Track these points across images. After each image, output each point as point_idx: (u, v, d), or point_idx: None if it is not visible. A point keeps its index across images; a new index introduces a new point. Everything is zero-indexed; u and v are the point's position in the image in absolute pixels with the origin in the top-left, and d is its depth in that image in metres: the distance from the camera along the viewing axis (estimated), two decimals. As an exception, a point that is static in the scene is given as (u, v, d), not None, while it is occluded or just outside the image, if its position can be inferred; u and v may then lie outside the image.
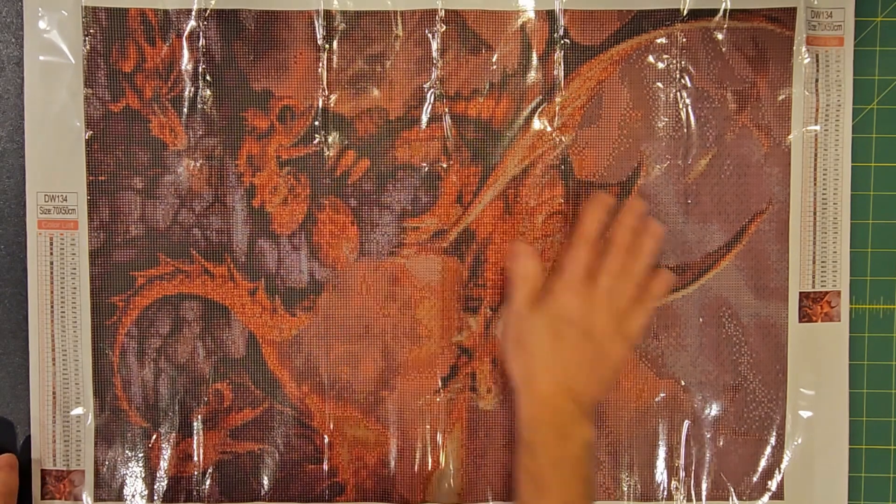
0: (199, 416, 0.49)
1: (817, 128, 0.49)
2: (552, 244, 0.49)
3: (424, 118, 0.49)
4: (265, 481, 0.49)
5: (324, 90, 0.48)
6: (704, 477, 0.50)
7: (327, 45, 0.48)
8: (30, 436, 0.48)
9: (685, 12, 0.48)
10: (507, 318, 0.47)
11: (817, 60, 0.49)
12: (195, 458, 0.49)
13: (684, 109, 0.49)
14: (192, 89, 0.48)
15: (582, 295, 0.44)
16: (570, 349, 0.44)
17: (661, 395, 0.50)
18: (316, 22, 0.48)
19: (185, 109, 0.48)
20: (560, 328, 0.44)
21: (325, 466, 0.49)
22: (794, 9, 0.48)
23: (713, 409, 0.50)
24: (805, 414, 0.50)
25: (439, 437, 0.50)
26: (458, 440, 0.50)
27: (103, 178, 0.48)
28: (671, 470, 0.50)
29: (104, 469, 0.49)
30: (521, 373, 0.45)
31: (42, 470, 0.48)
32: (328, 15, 0.48)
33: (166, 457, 0.49)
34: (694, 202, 0.49)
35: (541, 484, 0.42)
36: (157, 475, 0.49)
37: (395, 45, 0.48)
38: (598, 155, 0.49)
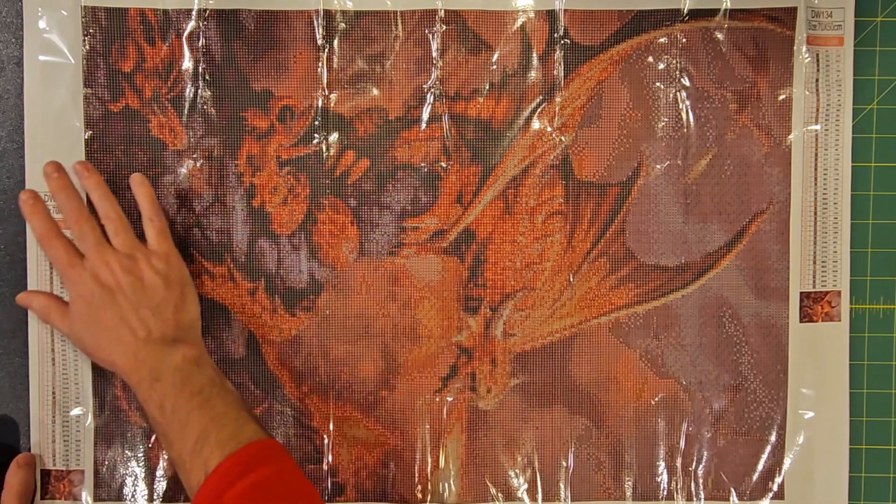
0: (199, 416, 0.49)
1: (817, 127, 0.49)
2: (552, 244, 0.49)
3: (424, 118, 0.49)
4: (265, 481, 0.49)
5: (324, 90, 0.48)
6: (704, 477, 0.50)
7: (327, 45, 0.48)
8: (30, 436, 0.48)
9: (685, 12, 0.48)
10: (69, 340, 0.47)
11: (817, 60, 0.49)
12: (195, 458, 0.49)
13: (684, 109, 0.49)
14: (192, 89, 0.48)
15: (77, 273, 0.44)
16: (106, 317, 0.43)
17: (661, 394, 0.50)
18: (316, 22, 0.48)
19: (185, 109, 0.48)
20: (87, 313, 0.44)
21: (325, 466, 0.49)
22: (795, 8, 0.48)
23: (713, 409, 0.50)
24: (806, 414, 0.50)
25: (439, 437, 0.49)
26: (458, 440, 0.50)
27: (103, 178, 0.48)
28: (671, 470, 0.50)
29: (104, 469, 0.48)
30: (105, 365, 0.44)
31: (42, 470, 0.48)
32: (328, 15, 0.48)
33: (166, 456, 0.49)
34: (694, 202, 0.49)
35: (163, 430, 0.42)
36: (157, 475, 0.49)
37: (395, 45, 0.48)
38: (598, 155, 0.49)
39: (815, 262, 0.50)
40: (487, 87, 0.49)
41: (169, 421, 0.41)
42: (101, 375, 0.48)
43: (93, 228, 0.45)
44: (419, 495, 0.49)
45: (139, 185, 0.47)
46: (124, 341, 0.43)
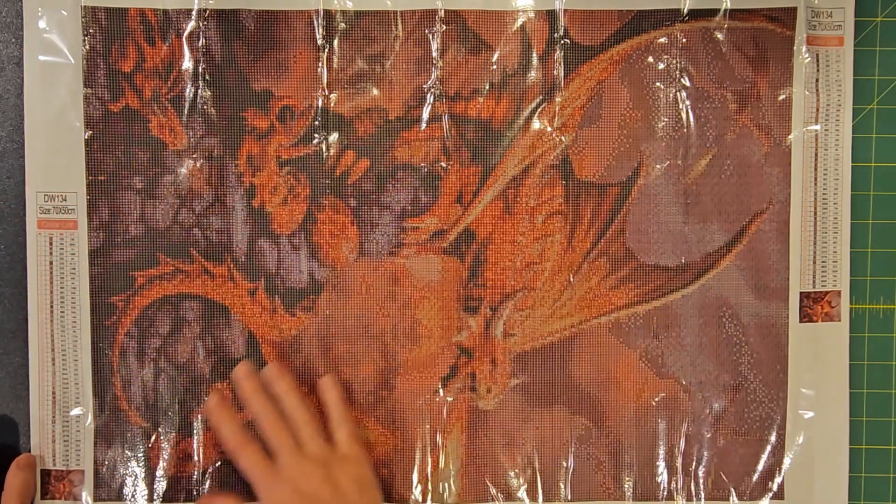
0: (199, 416, 0.49)
1: (817, 127, 0.49)
2: (552, 244, 0.49)
3: (424, 118, 0.49)
4: (265, 481, 0.49)
5: (324, 90, 0.48)
6: (704, 477, 0.50)
7: (327, 45, 0.48)
8: (30, 436, 0.48)
9: (685, 12, 0.48)
10: None
11: (817, 60, 0.49)
12: (195, 458, 0.49)
13: (684, 109, 0.49)
14: (192, 89, 0.48)
15: (275, 482, 0.44)
16: None
17: (661, 395, 0.50)
18: (316, 22, 0.48)
19: (185, 109, 0.48)
20: None
21: (325, 466, 0.49)
22: (795, 8, 0.48)
23: (713, 409, 0.50)
24: (806, 414, 0.50)
25: (439, 437, 0.50)
26: (458, 440, 0.50)
27: (103, 177, 0.48)
28: (671, 470, 0.50)
29: (104, 469, 0.49)
30: None
31: (42, 470, 0.48)
32: (328, 15, 0.48)
33: (166, 457, 0.49)
34: (694, 202, 0.49)
35: None
36: (157, 475, 0.49)
37: (395, 45, 0.48)
38: (598, 155, 0.49)
39: (815, 262, 0.50)
40: (487, 87, 0.49)
41: None
42: (101, 375, 0.48)
43: (290, 436, 0.45)
44: (419, 495, 0.49)
45: (330, 389, 0.47)
46: None
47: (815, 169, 0.49)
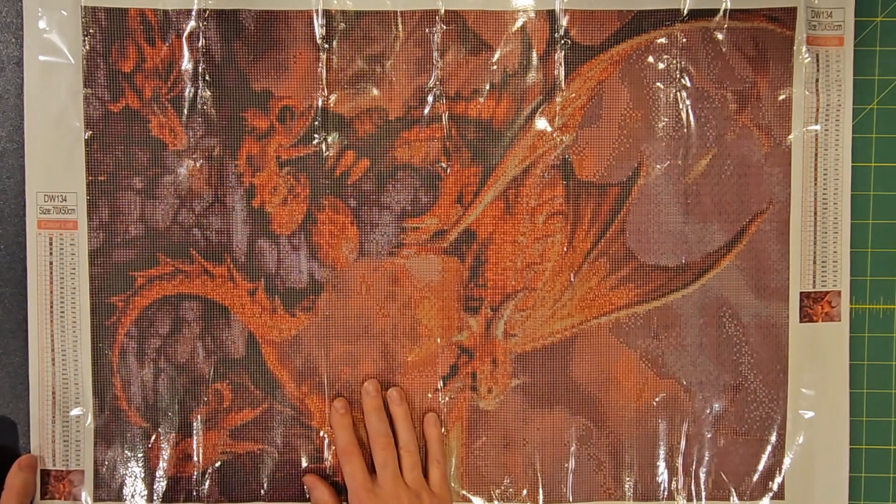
0: (199, 416, 0.49)
1: (817, 128, 0.49)
2: (552, 244, 0.49)
3: (424, 118, 0.49)
4: (265, 481, 0.49)
5: (323, 90, 0.48)
6: (705, 477, 0.50)
7: (327, 45, 0.48)
8: (30, 436, 0.48)
9: (685, 12, 0.48)
10: None
11: (817, 60, 0.49)
12: (195, 458, 0.49)
13: (684, 109, 0.49)
14: (192, 89, 0.48)
15: (369, 498, 0.45)
16: None
17: (662, 395, 0.50)
18: (316, 22, 0.48)
19: (185, 109, 0.48)
20: None
21: (325, 466, 0.49)
22: (795, 8, 0.48)
23: (714, 409, 0.50)
24: (806, 414, 0.50)
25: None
26: (458, 440, 0.50)
27: (103, 178, 0.48)
28: (671, 470, 0.50)
29: (104, 469, 0.48)
30: None
31: (42, 470, 0.48)
32: (328, 15, 0.48)
33: (166, 457, 0.49)
34: (694, 202, 0.49)
35: None
36: (157, 475, 0.49)
37: (395, 45, 0.48)
38: (599, 155, 0.49)
39: (815, 262, 0.50)
40: (488, 88, 0.49)
41: None
42: (101, 375, 0.48)
43: (395, 459, 0.46)
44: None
45: (433, 426, 0.48)
46: None
47: (815, 169, 0.49)
